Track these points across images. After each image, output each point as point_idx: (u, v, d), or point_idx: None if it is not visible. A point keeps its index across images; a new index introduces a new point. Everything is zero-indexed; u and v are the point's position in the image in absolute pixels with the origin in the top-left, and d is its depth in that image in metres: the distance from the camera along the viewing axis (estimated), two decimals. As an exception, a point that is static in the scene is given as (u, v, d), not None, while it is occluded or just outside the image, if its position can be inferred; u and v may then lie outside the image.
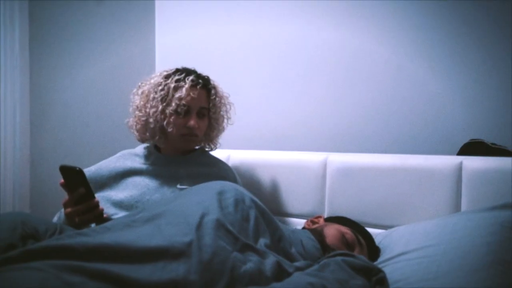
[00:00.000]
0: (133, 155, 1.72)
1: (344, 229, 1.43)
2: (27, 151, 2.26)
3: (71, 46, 2.47)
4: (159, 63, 2.75)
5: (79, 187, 1.35)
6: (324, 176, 1.77)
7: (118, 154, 1.74)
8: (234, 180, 1.73)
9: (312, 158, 1.83)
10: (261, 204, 1.29)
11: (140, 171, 1.64)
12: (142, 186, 1.59)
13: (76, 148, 2.45)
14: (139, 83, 1.70)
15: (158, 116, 1.58)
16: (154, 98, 1.59)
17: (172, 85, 1.59)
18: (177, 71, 1.67)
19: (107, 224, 1.13)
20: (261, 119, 2.42)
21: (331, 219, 1.58)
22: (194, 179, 1.62)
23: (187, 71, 1.68)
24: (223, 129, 1.76)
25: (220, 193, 1.24)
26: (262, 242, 1.17)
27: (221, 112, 1.72)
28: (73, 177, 1.35)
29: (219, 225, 1.10)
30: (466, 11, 1.91)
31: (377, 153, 1.79)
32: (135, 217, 1.15)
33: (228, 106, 1.74)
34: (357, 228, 1.50)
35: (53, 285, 0.82)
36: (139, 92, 1.66)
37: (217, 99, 1.69)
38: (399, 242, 1.38)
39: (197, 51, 2.61)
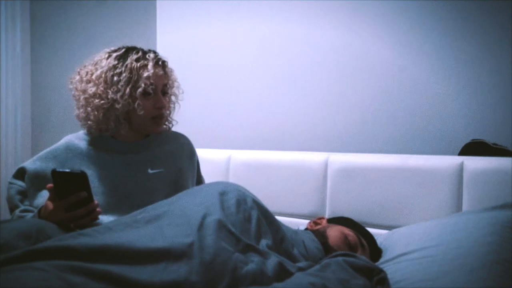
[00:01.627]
0: (82, 140, 1.54)
1: (347, 231, 1.43)
2: (28, 150, 2.26)
3: (72, 46, 2.48)
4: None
5: (75, 191, 1.27)
6: (325, 176, 1.77)
7: (65, 143, 1.54)
8: (193, 153, 1.67)
9: (313, 158, 1.83)
10: (263, 205, 1.29)
11: (98, 162, 1.50)
12: (111, 179, 1.47)
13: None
14: (78, 69, 1.53)
15: (127, 100, 1.45)
16: (118, 81, 1.44)
17: (136, 65, 1.46)
18: (128, 49, 1.52)
19: (109, 224, 1.13)
20: (262, 119, 2.42)
21: (334, 221, 1.58)
22: (163, 160, 1.56)
23: (139, 49, 1.54)
24: (178, 105, 1.64)
25: (222, 194, 1.23)
26: (264, 242, 1.18)
27: (175, 88, 1.60)
28: (68, 182, 1.27)
29: (221, 226, 1.10)
30: (467, 12, 1.92)
31: (379, 153, 1.79)
32: (137, 217, 1.15)
33: (178, 81, 1.62)
34: (360, 230, 1.50)
35: (55, 285, 0.83)
36: (92, 77, 1.48)
37: (172, 73, 1.59)
38: (400, 243, 1.38)
39: (199, 51, 2.61)
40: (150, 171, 1.51)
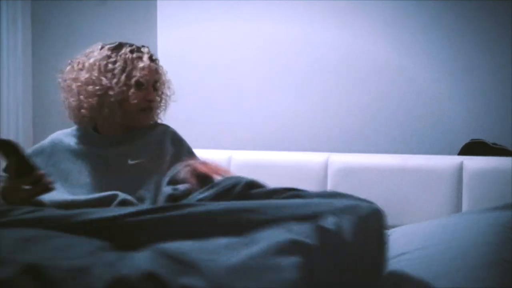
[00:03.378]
0: (69, 136, 1.56)
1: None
2: (30, 151, 2.26)
3: (73, 46, 2.47)
4: (161, 63, 2.75)
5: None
6: (325, 177, 1.77)
7: (51, 138, 1.56)
8: (178, 140, 1.64)
9: (313, 158, 1.83)
10: None
11: (83, 157, 1.50)
12: (94, 173, 1.47)
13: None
14: (70, 60, 1.55)
15: (121, 87, 1.46)
16: (112, 69, 1.47)
17: (131, 56, 1.49)
18: (122, 43, 1.56)
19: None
20: (262, 119, 2.42)
21: None
22: (145, 150, 1.55)
23: (133, 44, 1.57)
24: (167, 107, 1.65)
25: None
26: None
27: (166, 88, 1.61)
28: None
29: None
30: (466, 12, 1.92)
31: (378, 153, 1.80)
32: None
33: (169, 82, 1.64)
34: None
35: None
36: (84, 65, 1.49)
37: (165, 73, 1.61)
38: (400, 242, 1.38)
39: (199, 51, 2.61)
40: (130, 161, 1.51)
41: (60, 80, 1.55)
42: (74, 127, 1.60)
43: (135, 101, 1.48)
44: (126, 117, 1.53)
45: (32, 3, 2.27)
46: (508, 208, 1.30)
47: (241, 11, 2.50)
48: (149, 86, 1.53)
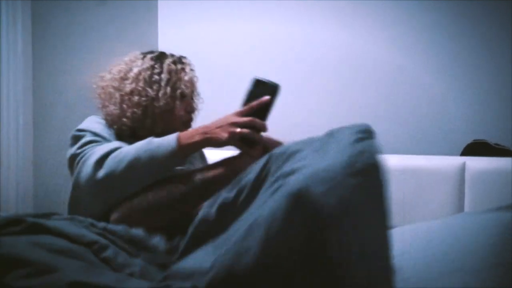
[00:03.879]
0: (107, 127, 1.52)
1: None
2: (30, 152, 2.25)
3: (74, 47, 2.47)
4: (161, 64, 2.75)
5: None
6: (326, 177, 1.77)
7: (99, 123, 1.51)
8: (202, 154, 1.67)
9: (314, 158, 1.83)
10: None
11: None
12: None
13: (78, 149, 2.45)
14: (110, 68, 1.55)
15: (167, 99, 1.47)
16: (158, 80, 1.48)
17: (175, 67, 1.51)
18: (162, 52, 1.57)
19: None
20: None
21: None
22: (190, 158, 1.54)
23: (172, 53, 1.58)
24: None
25: None
26: None
27: (196, 97, 1.63)
28: (260, 93, 1.33)
29: None
30: (467, 12, 1.92)
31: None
32: None
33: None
34: None
35: None
36: (128, 75, 1.50)
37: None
38: (401, 242, 1.38)
39: (199, 51, 2.60)
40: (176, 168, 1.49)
41: (95, 86, 1.55)
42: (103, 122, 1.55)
43: (182, 112, 1.51)
44: (166, 128, 1.51)
45: (32, 3, 2.26)
46: (511, 209, 1.30)
47: (241, 11, 2.50)
48: (189, 98, 1.55)
